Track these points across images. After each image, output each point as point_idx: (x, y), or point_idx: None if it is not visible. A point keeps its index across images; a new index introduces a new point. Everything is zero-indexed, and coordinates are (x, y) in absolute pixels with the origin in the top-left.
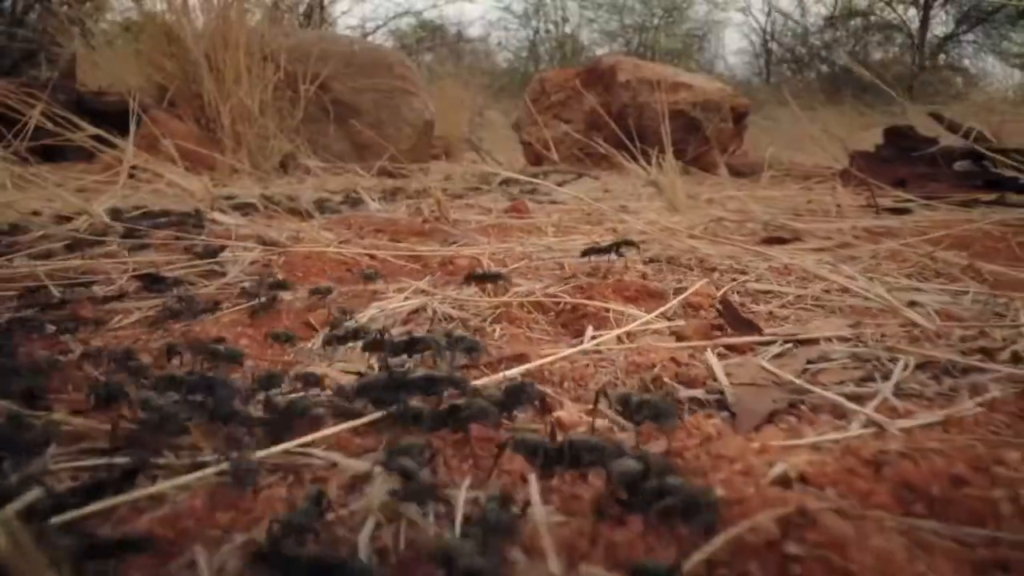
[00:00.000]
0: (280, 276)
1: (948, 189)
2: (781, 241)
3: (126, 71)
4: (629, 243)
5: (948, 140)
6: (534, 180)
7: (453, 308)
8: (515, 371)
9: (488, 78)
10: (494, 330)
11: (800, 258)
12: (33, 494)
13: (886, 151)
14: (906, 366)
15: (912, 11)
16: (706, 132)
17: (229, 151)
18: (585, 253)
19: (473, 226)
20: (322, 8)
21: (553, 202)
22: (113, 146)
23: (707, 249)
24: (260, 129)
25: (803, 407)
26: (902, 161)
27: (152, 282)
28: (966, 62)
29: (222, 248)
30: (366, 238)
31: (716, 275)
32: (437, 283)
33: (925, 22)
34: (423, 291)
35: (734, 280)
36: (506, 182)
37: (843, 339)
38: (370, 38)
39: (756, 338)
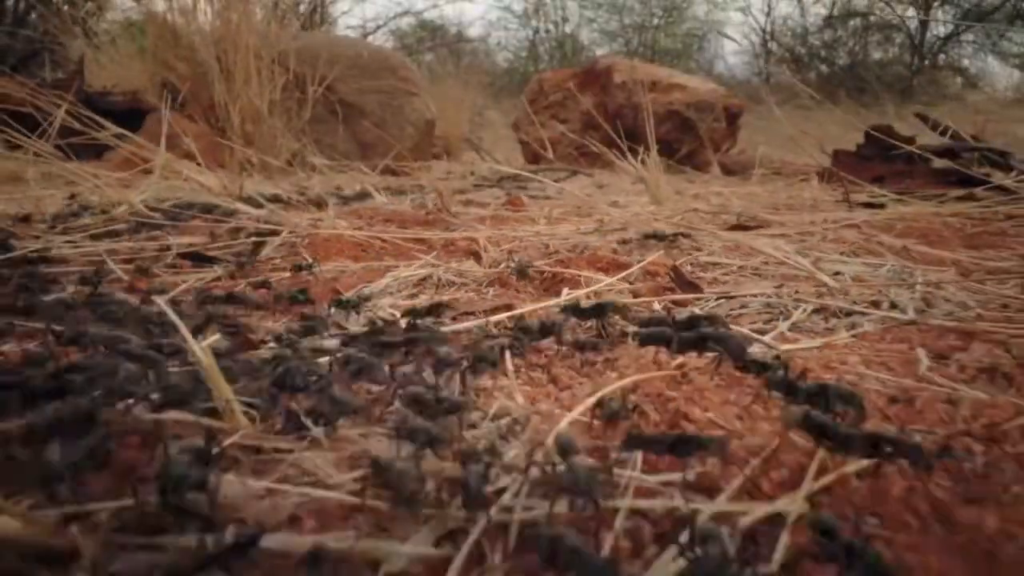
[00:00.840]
0: (307, 255)
1: (923, 186)
2: (745, 228)
3: (130, 71)
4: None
5: (928, 139)
6: (532, 176)
7: (455, 276)
8: (500, 316)
9: (488, 78)
10: (487, 292)
11: (752, 240)
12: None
13: (866, 150)
14: (804, 311)
15: (911, 11)
16: (700, 132)
17: (239, 149)
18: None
19: (472, 217)
20: (323, 8)
21: (547, 197)
22: (137, 144)
23: (670, 228)
24: (268, 129)
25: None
26: (881, 159)
27: (197, 259)
28: (965, 62)
29: (272, 233)
30: (376, 226)
31: (676, 251)
32: (440, 259)
33: (925, 22)
34: (430, 264)
35: (690, 255)
36: (504, 179)
37: (765, 296)
38: (370, 38)
39: (696, 295)
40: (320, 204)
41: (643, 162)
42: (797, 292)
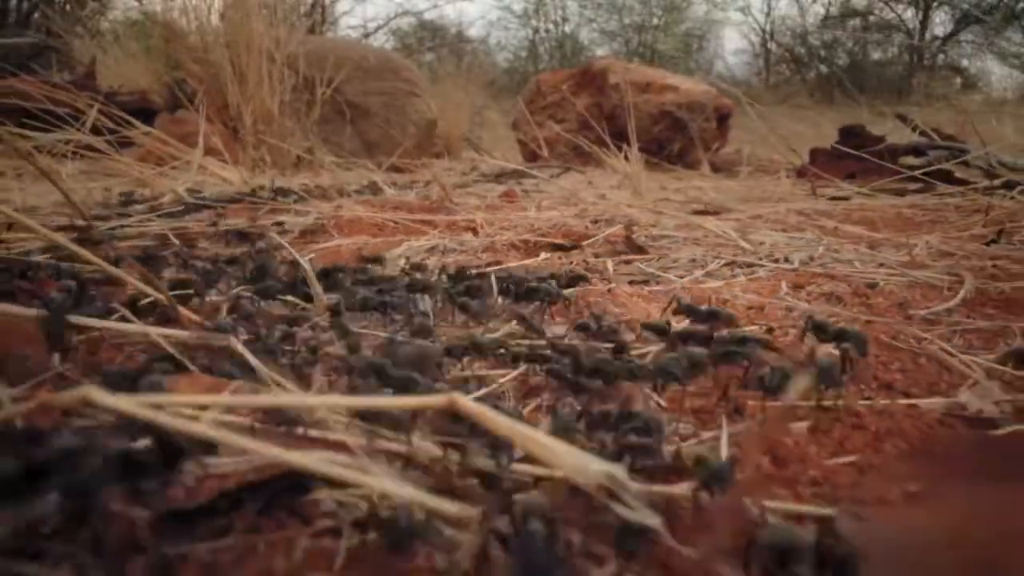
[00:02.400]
0: (334, 231)
1: (891, 181)
2: (706, 213)
3: (134, 71)
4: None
5: (910, 138)
6: (526, 171)
7: (456, 245)
8: (492, 269)
9: (488, 77)
10: (482, 257)
11: (701, 220)
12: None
13: (840, 148)
14: (717, 264)
15: (910, 12)
16: (691, 131)
17: (251, 147)
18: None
19: (471, 206)
20: (324, 9)
21: (540, 191)
22: (161, 140)
23: (644, 216)
24: (279, 128)
25: (653, 282)
26: (853, 157)
27: (239, 236)
28: (965, 62)
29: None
30: (387, 212)
31: (636, 227)
32: (444, 234)
33: (924, 22)
34: (436, 237)
35: (646, 231)
36: (500, 175)
37: (693, 256)
38: (371, 38)
39: (640, 256)
40: (341, 192)
41: (625, 158)
42: (719, 254)
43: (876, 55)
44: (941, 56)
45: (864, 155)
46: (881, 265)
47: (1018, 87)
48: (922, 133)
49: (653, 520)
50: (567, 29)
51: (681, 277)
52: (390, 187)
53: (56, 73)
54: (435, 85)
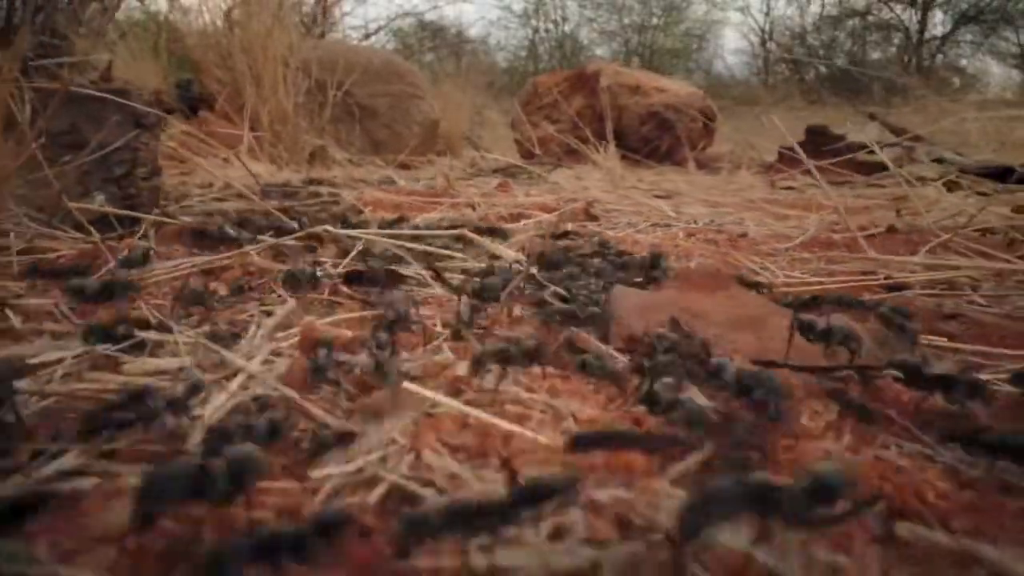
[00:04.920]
0: (364, 209)
1: (850, 175)
2: (661, 198)
3: (145, 72)
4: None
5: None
6: (520, 166)
7: (458, 216)
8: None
9: (488, 77)
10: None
11: (647, 199)
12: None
13: (806, 146)
14: (645, 224)
15: (909, 12)
16: (678, 131)
17: (268, 145)
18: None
19: (471, 193)
20: (324, 10)
21: (531, 183)
22: (198, 138)
23: (609, 198)
24: (293, 128)
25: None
26: (817, 155)
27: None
28: (963, 62)
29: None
30: (403, 196)
31: (595, 203)
32: (449, 210)
33: (923, 22)
34: (443, 212)
35: (604, 207)
36: (497, 170)
37: (630, 220)
38: (372, 38)
39: (592, 221)
40: (365, 182)
41: (602, 153)
42: (650, 219)
43: (875, 55)
44: (940, 56)
45: (827, 151)
46: (761, 225)
47: (1017, 87)
48: (893, 131)
49: None
50: (567, 29)
51: (612, 229)
52: (400, 180)
53: (68, 74)
54: (435, 86)
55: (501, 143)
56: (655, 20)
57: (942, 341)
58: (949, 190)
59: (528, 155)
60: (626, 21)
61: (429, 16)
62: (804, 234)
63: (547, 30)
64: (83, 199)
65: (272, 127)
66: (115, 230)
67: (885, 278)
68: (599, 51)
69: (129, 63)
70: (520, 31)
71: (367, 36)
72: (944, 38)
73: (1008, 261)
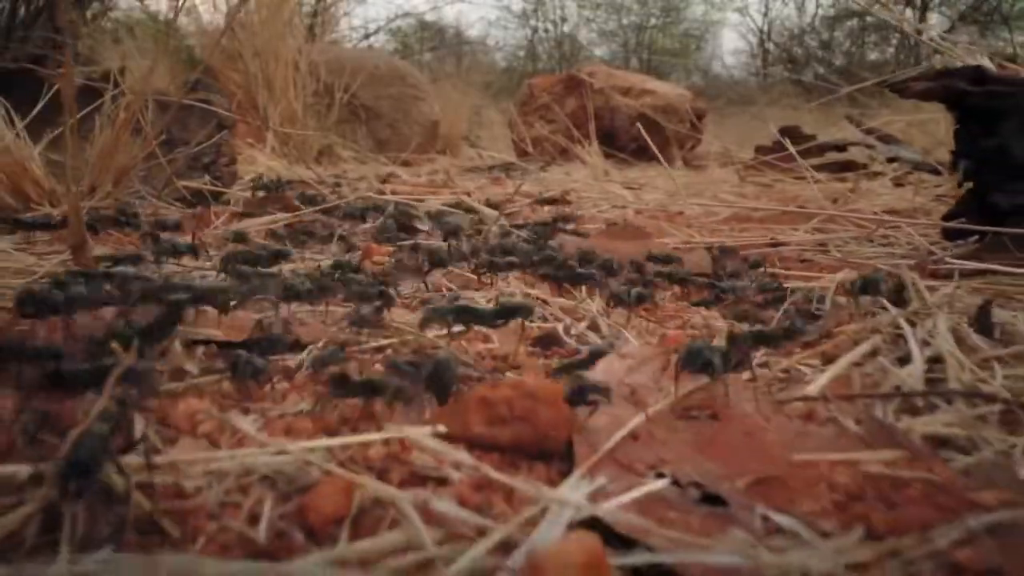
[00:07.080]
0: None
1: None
2: (631, 188)
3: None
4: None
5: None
6: (514, 164)
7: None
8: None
9: (487, 78)
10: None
11: (613, 187)
12: None
13: (781, 145)
14: (607, 206)
15: (909, 12)
16: (666, 131)
17: (279, 144)
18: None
19: (468, 186)
20: (325, 11)
21: (522, 177)
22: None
23: (585, 188)
24: (302, 127)
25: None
26: (787, 154)
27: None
28: (959, 64)
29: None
30: (409, 188)
31: (574, 192)
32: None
33: (922, 23)
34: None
35: (577, 194)
36: (493, 167)
37: (595, 202)
38: (372, 39)
39: (565, 203)
40: (377, 175)
41: (584, 149)
42: (612, 202)
43: (873, 56)
44: (937, 56)
45: (799, 150)
46: (701, 205)
47: None
48: (867, 132)
49: None
50: (565, 29)
51: (582, 208)
52: (404, 176)
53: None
54: (435, 86)
55: (499, 143)
56: (654, 20)
57: (781, 270)
58: (899, 185)
59: (524, 154)
60: (625, 21)
61: (429, 16)
62: (731, 213)
63: (546, 30)
64: (184, 181)
65: (282, 126)
66: (208, 202)
67: (771, 238)
68: (598, 51)
69: (138, 63)
70: (519, 31)
71: (367, 36)
72: (941, 39)
73: (868, 227)
